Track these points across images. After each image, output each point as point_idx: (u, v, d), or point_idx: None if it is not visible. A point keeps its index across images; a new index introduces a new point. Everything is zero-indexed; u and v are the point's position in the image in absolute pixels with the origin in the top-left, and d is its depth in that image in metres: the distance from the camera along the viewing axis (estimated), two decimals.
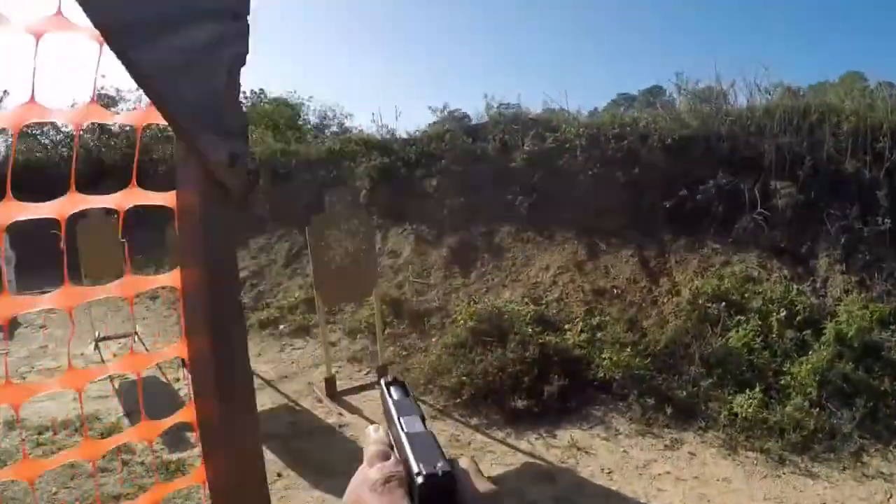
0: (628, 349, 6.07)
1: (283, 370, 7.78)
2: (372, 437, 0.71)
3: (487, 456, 5.36)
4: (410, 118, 39.15)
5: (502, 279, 8.25)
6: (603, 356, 6.10)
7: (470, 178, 9.53)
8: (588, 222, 8.14)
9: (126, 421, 6.60)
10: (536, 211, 8.65)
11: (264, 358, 8.23)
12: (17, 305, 1.42)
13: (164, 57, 1.09)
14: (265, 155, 12.53)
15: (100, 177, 12.79)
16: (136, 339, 9.15)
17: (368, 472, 0.63)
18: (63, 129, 19.28)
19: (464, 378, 6.33)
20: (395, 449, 0.69)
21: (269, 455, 5.66)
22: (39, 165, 15.33)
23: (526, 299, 7.51)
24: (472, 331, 6.99)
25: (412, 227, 9.80)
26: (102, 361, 8.48)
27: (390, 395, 0.80)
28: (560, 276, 7.74)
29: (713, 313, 6.31)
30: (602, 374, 5.99)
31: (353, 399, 6.74)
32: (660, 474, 4.76)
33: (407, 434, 0.67)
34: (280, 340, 8.69)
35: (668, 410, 5.44)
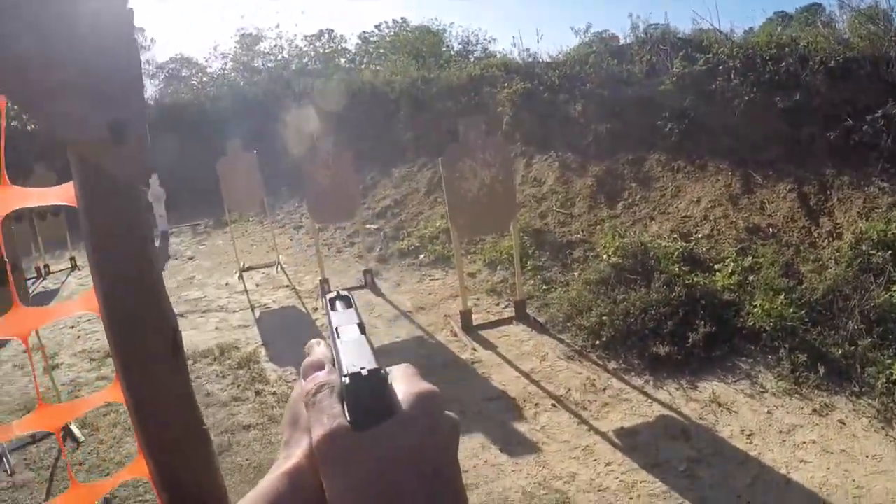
0: (782, 296, 5.57)
1: (421, 301, 7.84)
2: (313, 350, 0.63)
3: (622, 405, 5.18)
4: (553, 41, 37.89)
5: (650, 211, 7.85)
6: (754, 303, 5.65)
7: (616, 103, 9.04)
8: (743, 152, 7.50)
9: (263, 351, 6.93)
10: (687, 138, 8.08)
11: (402, 288, 8.34)
12: None
13: None
14: (406, 84, 12.50)
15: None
16: (279, 269, 9.57)
17: (302, 384, 0.59)
18: (209, 70, 20.20)
19: (604, 318, 6.12)
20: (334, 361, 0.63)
21: None
22: (186, 105, 16.12)
23: (674, 234, 7.11)
24: (615, 267, 6.73)
25: (556, 155, 9.49)
26: (246, 291, 8.94)
27: (333, 309, 0.72)
28: (712, 210, 7.24)
29: (877, 262, 5.62)
30: (752, 323, 5.54)
31: (488, 334, 6.70)
32: (804, 443, 4.38)
33: (342, 342, 0.62)
34: (419, 270, 8.77)
35: (821, 370, 4.93)
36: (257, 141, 12.06)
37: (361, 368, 0.54)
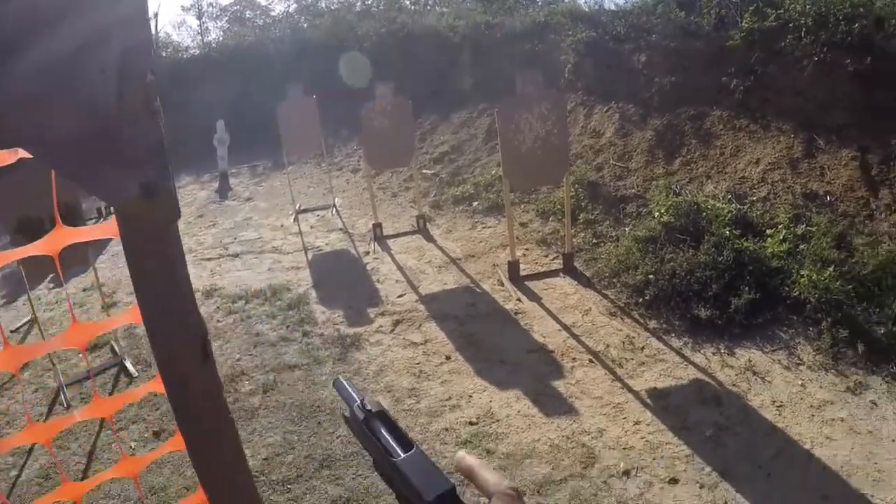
0: (831, 268, 5.47)
1: (471, 248, 7.93)
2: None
3: (658, 365, 5.24)
4: None
5: (707, 169, 7.72)
6: (802, 272, 5.57)
7: (682, 56, 8.80)
8: (808, 114, 7.25)
9: (313, 292, 7.15)
10: (752, 96, 7.85)
11: (454, 235, 8.44)
12: None
13: (6, 90, 0.80)
14: (469, 28, 12.36)
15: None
16: (335, 211, 9.74)
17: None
18: (272, 13, 20.16)
19: (650, 276, 6.14)
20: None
21: (441, 336, 5.95)
22: (249, 47, 16.21)
23: (729, 195, 6.99)
24: (666, 225, 6.70)
25: (617, 106, 9.34)
26: (300, 233, 9.14)
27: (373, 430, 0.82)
28: (770, 172, 7.08)
29: None
30: (797, 293, 5.47)
31: (534, 285, 6.78)
32: (833, 420, 4.36)
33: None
34: (472, 218, 8.83)
35: (860, 348, 4.85)
36: (319, 83, 12.16)
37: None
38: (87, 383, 5.55)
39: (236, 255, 8.40)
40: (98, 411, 1.36)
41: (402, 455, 0.76)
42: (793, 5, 7.79)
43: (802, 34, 7.52)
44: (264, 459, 4.49)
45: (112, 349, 6.10)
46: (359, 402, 0.85)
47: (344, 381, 0.92)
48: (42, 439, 1.32)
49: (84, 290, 7.60)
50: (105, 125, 0.86)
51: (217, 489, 1.15)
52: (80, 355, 6.01)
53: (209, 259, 7.96)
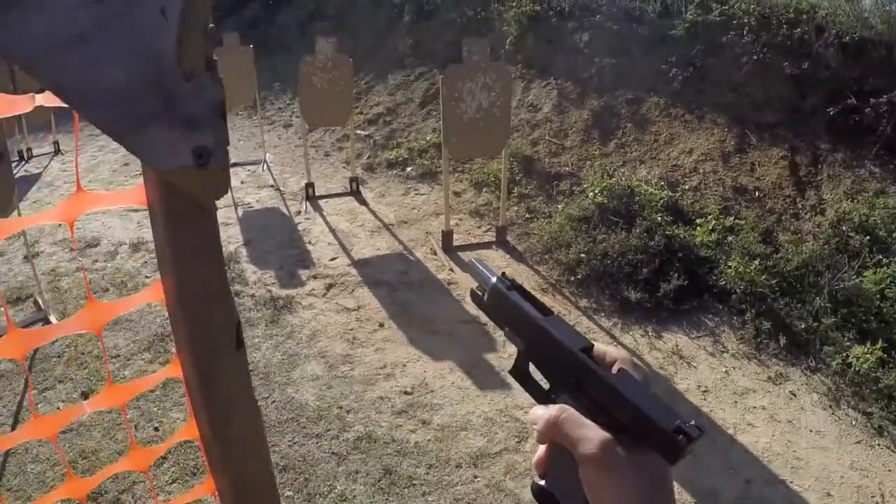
0: (756, 262, 5.71)
1: (404, 215, 7.89)
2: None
3: None
4: None
5: (641, 154, 7.88)
6: (729, 263, 5.79)
7: (624, 40, 8.91)
8: (742, 110, 7.49)
9: (244, 251, 6.97)
10: (690, 87, 8.04)
11: (387, 199, 8.36)
12: None
13: (52, 24, 0.68)
14: None
15: None
16: (265, 167, 9.49)
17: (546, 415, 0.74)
18: None
19: (582, 255, 6.26)
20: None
21: (374, 303, 5.91)
22: None
23: (662, 182, 7.17)
24: (599, 206, 6.82)
25: (556, 83, 9.38)
26: (230, 187, 8.86)
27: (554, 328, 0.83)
28: (702, 163, 7.30)
29: (854, 245, 5.75)
30: (723, 283, 5.69)
31: (466, 256, 6.80)
32: (755, 408, 4.60)
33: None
34: (405, 183, 8.76)
35: (782, 340, 5.11)
36: (254, 33, 11.73)
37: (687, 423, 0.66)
38: None
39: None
40: (111, 400, 1.27)
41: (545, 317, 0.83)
42: (738, 3, 7.98)
43: (745, 32, 7.73)
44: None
45: (35, 303, 5.80)
46: (499, 275, 0.90)
47: (478, 263, 0.94)
48: (48, 434, 1.23)
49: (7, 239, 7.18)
50: (160, 77, 0.75)
51: (238, 478, 1.10)
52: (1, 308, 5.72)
53: (136, 210, 7.59)
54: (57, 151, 10.63)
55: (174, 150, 0.78)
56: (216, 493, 1.20)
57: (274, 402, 4.57)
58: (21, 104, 1.06)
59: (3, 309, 4.75)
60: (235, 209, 8.11)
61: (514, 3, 10.23)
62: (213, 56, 0.80)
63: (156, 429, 4.34)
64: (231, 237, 7.28)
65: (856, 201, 6.18)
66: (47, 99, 0.95)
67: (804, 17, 7.51)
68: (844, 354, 4.86)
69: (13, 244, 6.92)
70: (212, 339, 0.95)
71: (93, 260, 6.76)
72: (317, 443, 4.25)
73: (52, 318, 5.48)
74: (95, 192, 1.07)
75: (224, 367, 0.97)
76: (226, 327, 0.95)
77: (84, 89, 0.73)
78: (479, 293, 0.92)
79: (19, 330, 1.11)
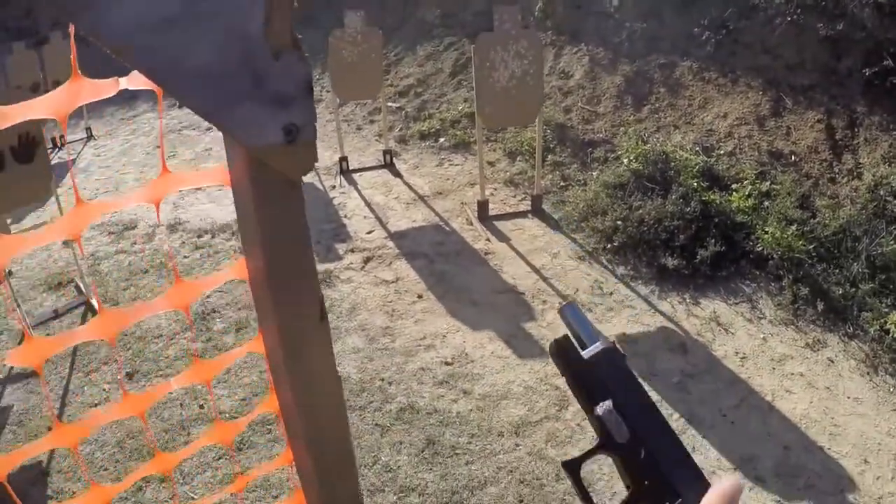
0: (794, 227, 5.70)
1: (439, 186, 7.96)
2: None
3: (626, 311, 5.44)
4: None
5: (675, 119, 7.84)
6: (766, 228, 5.78)
7: (655, 3, 8.81)
8: (777, 73, 7.39)
9: None
10: (723, 50, 7.94)
11: (421, 171, 8.42)
12: None
13: (141, 8, 0.71)
14: None
15: None
16: None
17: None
18: None
19: (618, 222, 6.28)
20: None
21: (412, 275, 6.02)
22: None
23: (696, 147, 7.15)
24: (634, 172, 6.83)
25: (587, 49, 9.32)
26: None
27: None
28: (737, 127, 7.24)
29: (892, 210, 5.68)
30: (760, 249, 5.68)
31: (502, 225, 6.87)
32: (792, 374, 4.63)
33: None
34: (439, 154, 8.80)
35: (819, 306, 5.11)
36: None
37: None
38: (52, 324, 5.47)
39: (199, 188, 8.22)
40: (198, 376, 1.37)
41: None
42: None
43: None
44: (241, 399, 4.55)
45: (77, 288, 6.00)
46: (605, 336, 0.75)
47: (577, 310, 0.79)
48: (137, 411, 1.32)
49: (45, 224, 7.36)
50: (250, 55, 0.78)
51: (320, 449, 1.19)
52: (44, 294, 5.91)
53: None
54: (90, 137, 10.84)
55: (264, 127, 0.82)
56: (293, 464, 1.27)
57: None
58: (106, 89, 1.12)
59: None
60: None
61: None
62: (297, 34, 0.84)
63: (201, 406, 4.52)
64: None
65: (893, 165, 6.10)
66: (131, 82, 0.99)
67: None
68: (882, 321, 4.84)
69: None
70: (300, 313, 1.01)
71: (131, 242, 6.94)
72: (360, 415, 4.40)
73: (95, 302, 5.65)
74: (180, 173, 1.13)
75: (311, 338, 1.04)
76: (312, 300, 1.01)
77: (175, 71, 0.76)
78: (566, 348, 0.75)
79: (111, 310, 1.20)
